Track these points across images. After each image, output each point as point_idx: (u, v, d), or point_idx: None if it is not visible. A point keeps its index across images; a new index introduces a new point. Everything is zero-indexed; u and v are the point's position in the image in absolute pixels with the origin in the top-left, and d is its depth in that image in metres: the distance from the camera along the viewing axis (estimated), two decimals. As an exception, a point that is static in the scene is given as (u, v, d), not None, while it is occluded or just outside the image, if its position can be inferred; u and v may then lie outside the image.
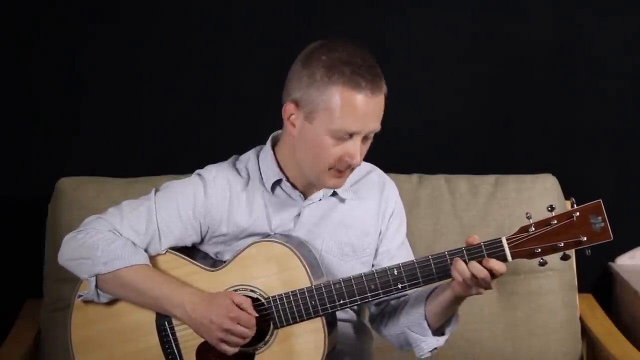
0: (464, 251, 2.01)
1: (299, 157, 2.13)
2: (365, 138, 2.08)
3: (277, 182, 2.19)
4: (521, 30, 3.05)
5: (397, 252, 2.25)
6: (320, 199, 2.21)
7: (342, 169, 2.09)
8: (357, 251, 2.22)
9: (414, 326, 2.16)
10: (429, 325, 2.15)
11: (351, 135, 2.05)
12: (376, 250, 2.26)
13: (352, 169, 2.12)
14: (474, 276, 1.99)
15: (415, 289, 2.12)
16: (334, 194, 2.22)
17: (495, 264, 1.99)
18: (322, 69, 2.04)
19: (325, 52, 2.06)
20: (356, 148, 2.06)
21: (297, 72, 2.08)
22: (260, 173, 2.20)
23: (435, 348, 2.18)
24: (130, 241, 2.15)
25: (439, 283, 2.10)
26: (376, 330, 2.29)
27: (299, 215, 2.19)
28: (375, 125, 2.07)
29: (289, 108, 2.10)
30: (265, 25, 3.03)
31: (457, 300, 2.09)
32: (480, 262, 2.00)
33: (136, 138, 3.05)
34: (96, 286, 2.14)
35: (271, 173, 2.18)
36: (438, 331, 2.17)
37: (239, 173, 2.21)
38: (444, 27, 3.05)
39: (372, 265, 2.25)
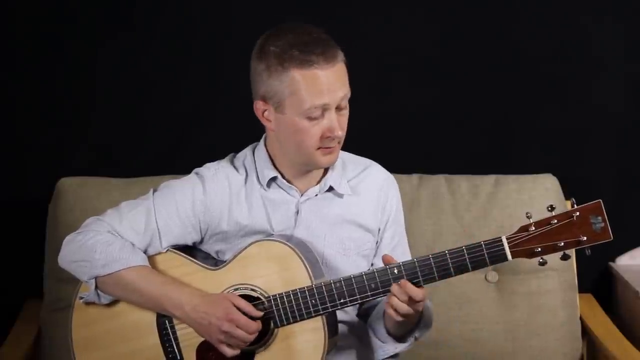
0: (465, 251, 2.02)
1: (285, 148, 2.15)
2: (339, 108, 2.09)
3: (273, 179, 2.19)
4: (521, 30, 3.05)
5: (394, 252, 2.23)
6: (316, 195, 2.21)
7: (329, 146, 2.11)
8: (358, 246, 2.23)
9: (376, 331, 2.19)
10: (388, 332, 2.16)
11: (323, 111, 2.07)
12: (376, 247, 2.26)
13: (340, 142, 2.13)
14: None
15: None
16: (331, 188, 2.22)
17: (411, 289, 2.02)
18: (274, 60, 2.07)
19: (273, 42, 2.09)
20: (333, 121, 2.08)
21: (255, 69, 2.12)
22: (257, 170, 2.20)
23: (397, 355, 2.20)
24: (129, 242, 2.15)
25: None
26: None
27: (298, 212, 2.19)
28: (342, 92, 2.09)
29: (258, 106, 2.13)
30: (265, 26, 3.03)
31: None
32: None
33: (136, 138, 3.05)
34: (96, 288, 2.14)
35: (266, 170, 2.19)
36: (403, 338, 2.18)
37: (237, 170, 2.22)
38: (444, 27, 3.05)
39: (372, 265, 2.26)
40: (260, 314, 2.09)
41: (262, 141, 2.23)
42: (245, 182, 2.21)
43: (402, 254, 2.27)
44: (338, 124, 2.09)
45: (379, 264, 2.21)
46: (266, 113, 2.12)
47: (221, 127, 3.04)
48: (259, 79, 2.10)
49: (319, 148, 2.10)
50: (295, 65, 2.05)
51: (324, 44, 2.08)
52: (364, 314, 2.27)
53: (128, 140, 3.05)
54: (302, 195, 2.20)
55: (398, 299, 2.03)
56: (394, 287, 2.03)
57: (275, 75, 2.07)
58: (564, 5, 3.04)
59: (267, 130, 2.19)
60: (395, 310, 2.04)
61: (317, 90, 2.05)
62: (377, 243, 2.26)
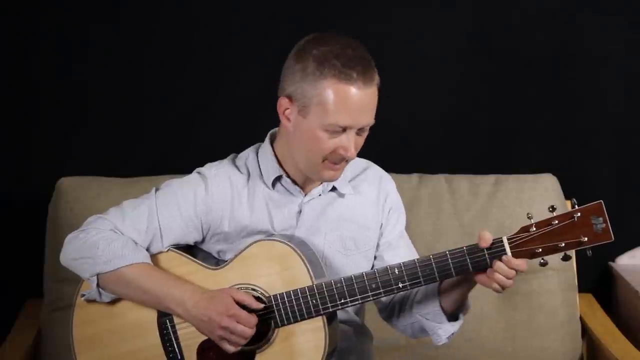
0: (465, 251, 2.02)
1: (294, 151, 2.14)
2: (360, 130, 2.09)
3: (278, 179, 2.19)
4: (521, 30, 3.05)
5: (397, 243, 2.25)
6: (320, 195, 2.21)
7: (336, 162, 2.10)
8: (359, 245, 2.23)
9: (429, 314, 2.16)
10: (444, 311, 2.15)
11: (344, 129, 2.06)
12: (377, 243, 2.26)
13: (347, 162, 2.12)
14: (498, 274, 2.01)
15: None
16: (333, 189, 2.22)
17: (518, 264, 2.00)
18: (313, 63, 2.04)
19: (316, 46, 2.06)
20: (350, 141, 2.07)
21: (290, 67, 2.09)
22: (260, 170, 2.20)
23: (453, 334, 2.18)
24: (132, 240, 2.15)
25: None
26: (387, 322, 2.28)
27: (300, 212, 2.20)
28: (368, 119, 2.08)
29: (283, 102, 2.11)
30: (264, 25, 3.04)
31: (471, 287, 2.10)
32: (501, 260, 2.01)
33: (136, 138, 3.05)
34: (98, 285, 2.15)
35: (271, 169, 2.18)
36: (452, 317, 2.17)
37: (239, 170, 2.22)
38: (445, 26, 3.05)
39: (375, 258, 2.25)
40: (261, 305, 2.08)
41: (266, 141, 2.22)
42: (248, 182, 2.20)
43: (407, 246, 2.27)
44: (354, 144, 2.08)
45: (382, 259, 2.22)
46: (287, 111, 2.10)
47: (221, 127, 3.05)
48: (291, 77, 2.08)
49: (324, 160, 2.09)
50: (333, 74, 2.03)
51: (366, 64, 2.06)
52: (401, 298, 2.24)
53: (128, 140, 3.05)
54: (305, 195, 2.21)
55: (505, 276, 2.00)
56: (499, 265, 1.99)
57: (310, 80, 2.04)
58: (564, 5, 3.05)
59: (281, 129, 2.17)
60: (502, 286, 2.01)
61: (345, 109, 2.03)
62: (379, 237, 2.26)
